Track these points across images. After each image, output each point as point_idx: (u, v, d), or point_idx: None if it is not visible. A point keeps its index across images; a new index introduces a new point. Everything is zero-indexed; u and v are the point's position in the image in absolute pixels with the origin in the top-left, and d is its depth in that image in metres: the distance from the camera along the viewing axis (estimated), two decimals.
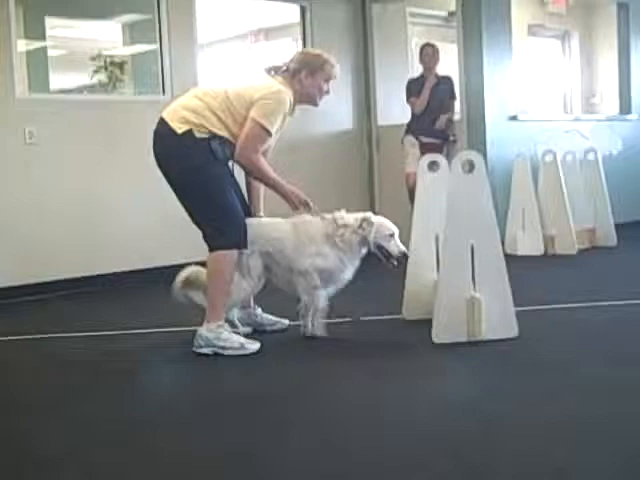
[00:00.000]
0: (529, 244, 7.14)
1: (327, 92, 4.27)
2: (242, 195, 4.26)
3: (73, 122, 6.19)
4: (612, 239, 7.63)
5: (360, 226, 4.17)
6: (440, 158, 4.70)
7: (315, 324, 4.21)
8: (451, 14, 8.25)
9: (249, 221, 4.15)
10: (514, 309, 4.04)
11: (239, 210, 4.09)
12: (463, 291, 3.99)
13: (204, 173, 3.96)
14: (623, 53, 9.18)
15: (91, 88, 6.96)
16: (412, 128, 7.34)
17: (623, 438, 2.69)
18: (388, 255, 4.19)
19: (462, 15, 7.51)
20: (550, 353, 3.86)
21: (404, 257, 4.21)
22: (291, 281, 4.21)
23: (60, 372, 3.94)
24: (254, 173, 4.12)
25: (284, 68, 4.19)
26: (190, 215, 4.05)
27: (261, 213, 4.38)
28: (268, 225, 4.24)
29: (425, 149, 6.87)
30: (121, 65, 7.03)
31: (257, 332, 4.34)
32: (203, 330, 3.97)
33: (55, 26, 6.94)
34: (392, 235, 4.20)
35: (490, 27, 7.46)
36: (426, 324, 4.06)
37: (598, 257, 7.11)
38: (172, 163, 4.01)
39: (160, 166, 4.04)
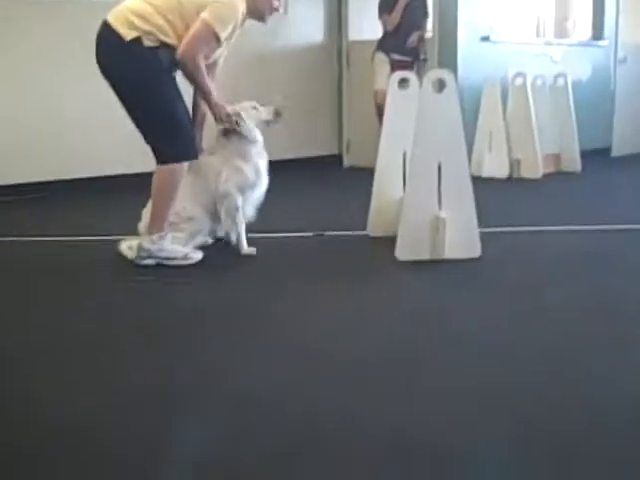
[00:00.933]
0: (495, 167, 7.16)
1: (277, 9, 4.14)
2: (186, 107, 4.07)
3: (33, 22, 6.01)
4: (577, 165, 7.67)
5: (237, 123, 4.11)
6: (411, 75, 4.65)
7: (243, 244, 4.18)
8: None
9: None
10: (478, 230, 4.07)
11: (188, 121, 3.98)
12: (428, 210, 3.99)
13: (152, 84, 3.83)
14: None
15: None
16: (383, 45, 7.24)
17: (575, 359, 2.75)
18: (269, 121, 4.27)
19: None
20: (511, 275, 3.90)
21: (279, 113, 4.27)
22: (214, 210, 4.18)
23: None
24: (193, 75, 3.89)
25: None
26: (138, 126, 3.90)
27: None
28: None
29: (396, 66, 6.80)
30: None
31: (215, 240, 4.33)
32: (145, 242, 3.92)
33: None
34: (255, 107, 4.23)
35: None
36: (390, 241, 4.09)
37: (562, 182, 7.16)
38: (119, 72, 3.84)
39: (104, 73, 3.86)
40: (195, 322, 3.17)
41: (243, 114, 4.14)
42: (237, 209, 4.14)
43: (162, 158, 3.91)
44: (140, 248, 3.93)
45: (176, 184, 3.93)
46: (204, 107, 4.17)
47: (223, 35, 3.86)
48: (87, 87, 5.89)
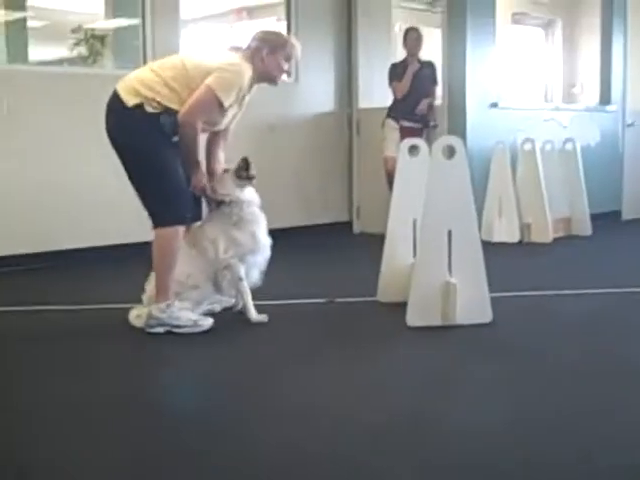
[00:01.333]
0: (505, 231, 7.17)
1: (288, 72, 4.22)
2: (182, 172, 4.05)
3: (52, 94, 6.11)
4: (587, 229, 7.68)
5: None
6: (421, 142, 4.69)
7: (251, 312, 4.17)
8: None
9: None
10: (489, 295, 4.06)
11: (185, 186, 3.98)
12: (439, 275, 4.00)
13: (151, 148, 3.88)
14: (605, 44, 9.18)
15: (71, 61, 6.89)
16: (393, 112, 7.34)
17: (589, 427, 2.72)
18: (244, 176, 4.14)
19: (447, 0, 7.49)
20: (523, 340, 3.89)
21: (245, 163, 4.15)
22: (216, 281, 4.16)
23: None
24: (188, 141, 3.90)
25: (245, 47, 4.12)
26: (136, 190, 3.95)
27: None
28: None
29: (405, 133, 6.88)
30: (102, 38, 6.97)
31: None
32: (154, 310, 3.92)
33: None
34: (226, 170, 4.18)
35: (474, 13, 7.44)
36: (401, 307, 4.07)
37: (573, 246, 7.15)
38: (121, 137, 3.92)
39: (109, 139, 3.94)
40: (202, 389, 3.17)
41: (218, 185, 4.11)
42: (240, 279, 4.14)
43: (157, 222, 3.94)
44: (149, 316, 3.94)
45: (174, 249, 3.94)
46: (219, 157, 4.25)
47: (227, 102, 3.90)
48: (91, 155, 5.98)
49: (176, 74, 3.91)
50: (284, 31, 7.54)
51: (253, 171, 4.15)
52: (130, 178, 3.96)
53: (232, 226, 4.13)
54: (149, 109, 3.86)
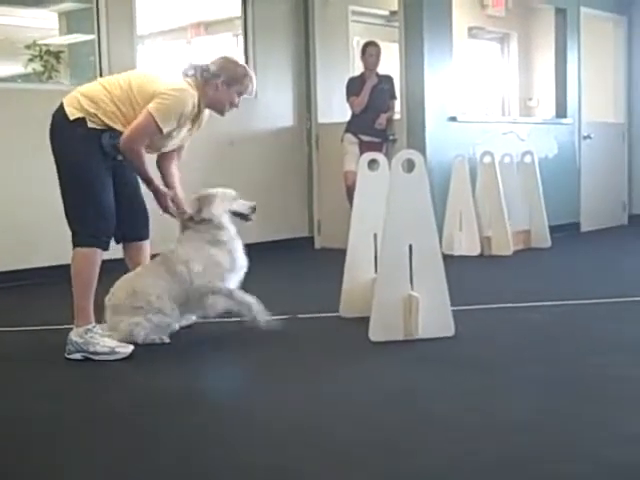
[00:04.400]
0: (466, 245, 7.21)
1: (236, 106, 4.15)
2: (134, 193, 4.10)
3: (5, 111, 6.03)
4: (546, 241, 7.74)
5: (200, 211, 4.08)
6: (380, 157, 4.69)
7: (260, 315, 4.10)
8: (393, 13, 8.28)
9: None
10: (451, 308, 4.06)
11: (109, 210, 3.90)
12: (401, 290, 3.98)
13: (83, 165, 3.83)
14: (560, 58, 9.30)
15: (25, 77, 6.80)
16: (352, 126, 7.34)
17: (555, 434, 2.71)
18: (242, 215, 4.20)
19: (404, 15, 7.53)
20: (485, 352, 3.89)
21: (254, 210, 4.22)
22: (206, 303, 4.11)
23: None
24: (133, 164, 3.91)
25: (203, 68, 4.05)
26: (63, 205, 3.91)
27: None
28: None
29: (365, 148, 6.89)
30: (57, 54, 6.88)
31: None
32: (72, 335, 3.81)
33: None
34: (235, 198, 4.20)
35: (431, 28, 7.49)
36: (363, 322, 4.06)
37: (533, 258, 7.21)
38: (57, 148, 3.89)
39: (51, 149, 3.92)
40: (159, 407, 3.12)
41: (218, 199, 4.09)
42: (231, 291, 4.09)
43: (74, 240, 3.87)
44: (69, 341, 3.81)
45: (91, 269, 3.84)
46: (173, 172, 4.21)
47: (166, 128, 3.86)
48: (47, 171, 5.87)
49: (122, 94, 3.88)
50: (241, 46, 7.56)
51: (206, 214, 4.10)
52: (61, 191, 3.92)
53: (208, 243, 4.08)
54: (90, 124, 3.82)
